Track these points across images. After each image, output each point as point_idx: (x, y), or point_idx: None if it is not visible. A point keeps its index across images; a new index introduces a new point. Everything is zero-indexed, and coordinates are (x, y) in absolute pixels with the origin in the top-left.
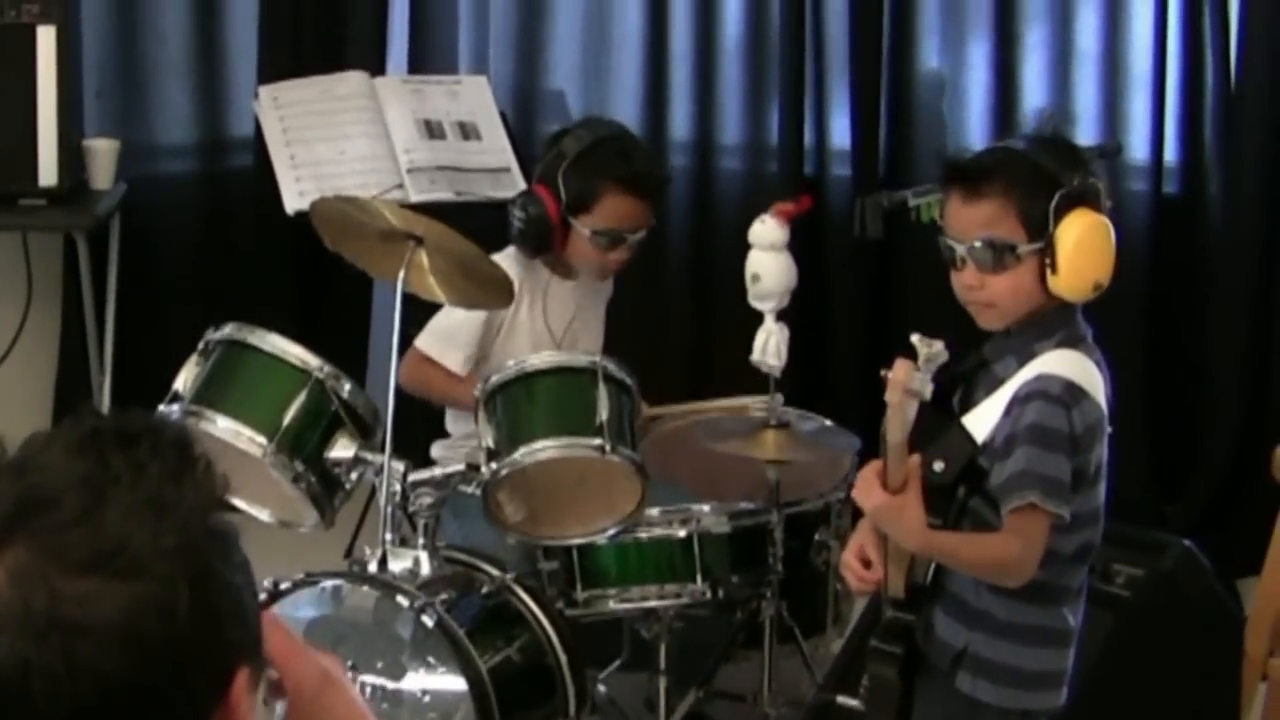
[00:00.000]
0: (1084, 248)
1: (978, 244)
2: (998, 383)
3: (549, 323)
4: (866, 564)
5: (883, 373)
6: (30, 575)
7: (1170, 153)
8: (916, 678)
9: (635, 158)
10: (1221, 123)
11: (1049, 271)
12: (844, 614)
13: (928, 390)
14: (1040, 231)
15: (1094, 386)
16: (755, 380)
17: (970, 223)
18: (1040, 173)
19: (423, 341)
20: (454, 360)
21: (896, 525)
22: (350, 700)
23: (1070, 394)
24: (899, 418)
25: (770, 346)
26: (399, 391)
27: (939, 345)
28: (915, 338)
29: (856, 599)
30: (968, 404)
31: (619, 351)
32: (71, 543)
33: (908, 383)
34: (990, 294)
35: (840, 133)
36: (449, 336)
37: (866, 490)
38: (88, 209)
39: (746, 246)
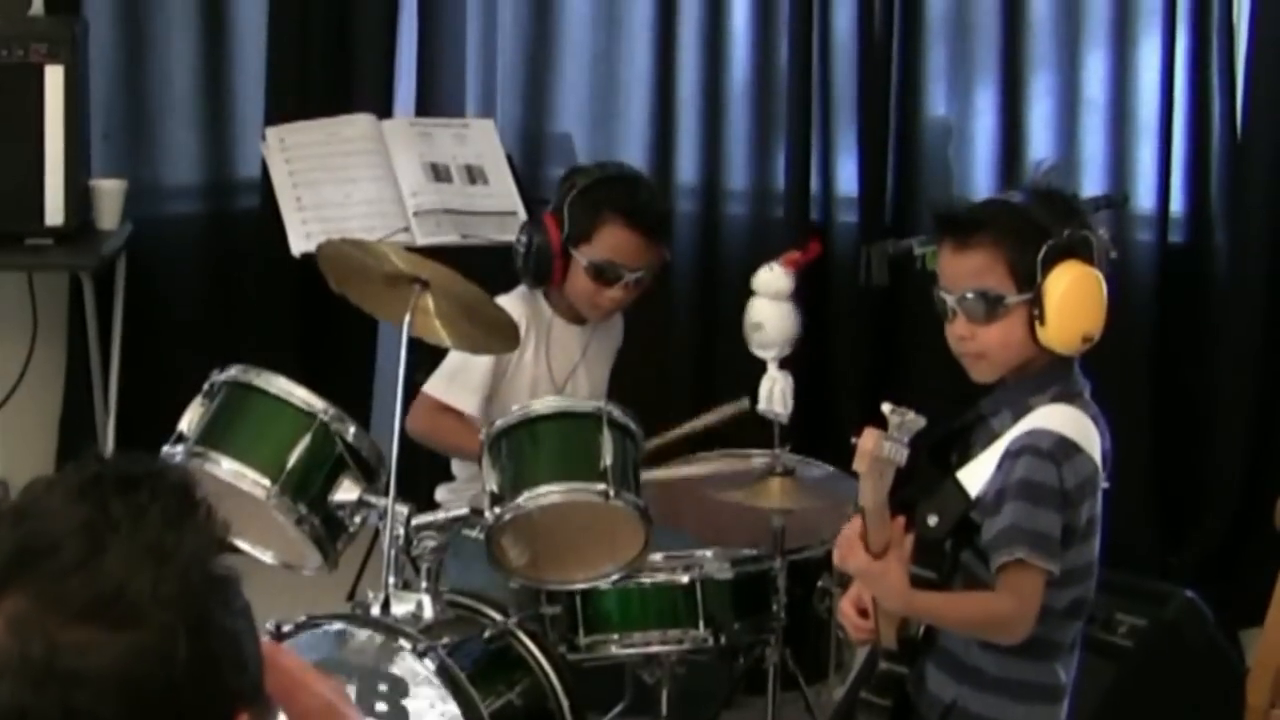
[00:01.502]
0: (1072, 299)
1: (968, 295)
2: (993, 437)
3: (551, 366)
4: (864, 613)
5: (853, 440)
6: (29, 623)
7: (1176, 202)
8: None
9: (640, 193)
10: (1228, 172)
11: (1037, 323)
12: (846, 661)
13: (901, 457)
14: (1029, 283)
15: (1088, 441)
16: (758, 427)
17: (960, 273)
18: (1030, 224)
19: (433, 386)
20: (467, 403)
21: (879, 588)
22: None
23: (1061, 449)
24: (870, 484)
25: (776, 395)
26: (404, 435)
27: (911, 414)
28: (886, 407)
29: (858, 647)
30: (964, 458)
31: (622, 395)
32: (70, 591)
33: (875, 451)
34: (980, 345)
35: (847, 179)
36: (461, 379)
37: (848, 551)
38: (94, 249)
39: (751, 292)
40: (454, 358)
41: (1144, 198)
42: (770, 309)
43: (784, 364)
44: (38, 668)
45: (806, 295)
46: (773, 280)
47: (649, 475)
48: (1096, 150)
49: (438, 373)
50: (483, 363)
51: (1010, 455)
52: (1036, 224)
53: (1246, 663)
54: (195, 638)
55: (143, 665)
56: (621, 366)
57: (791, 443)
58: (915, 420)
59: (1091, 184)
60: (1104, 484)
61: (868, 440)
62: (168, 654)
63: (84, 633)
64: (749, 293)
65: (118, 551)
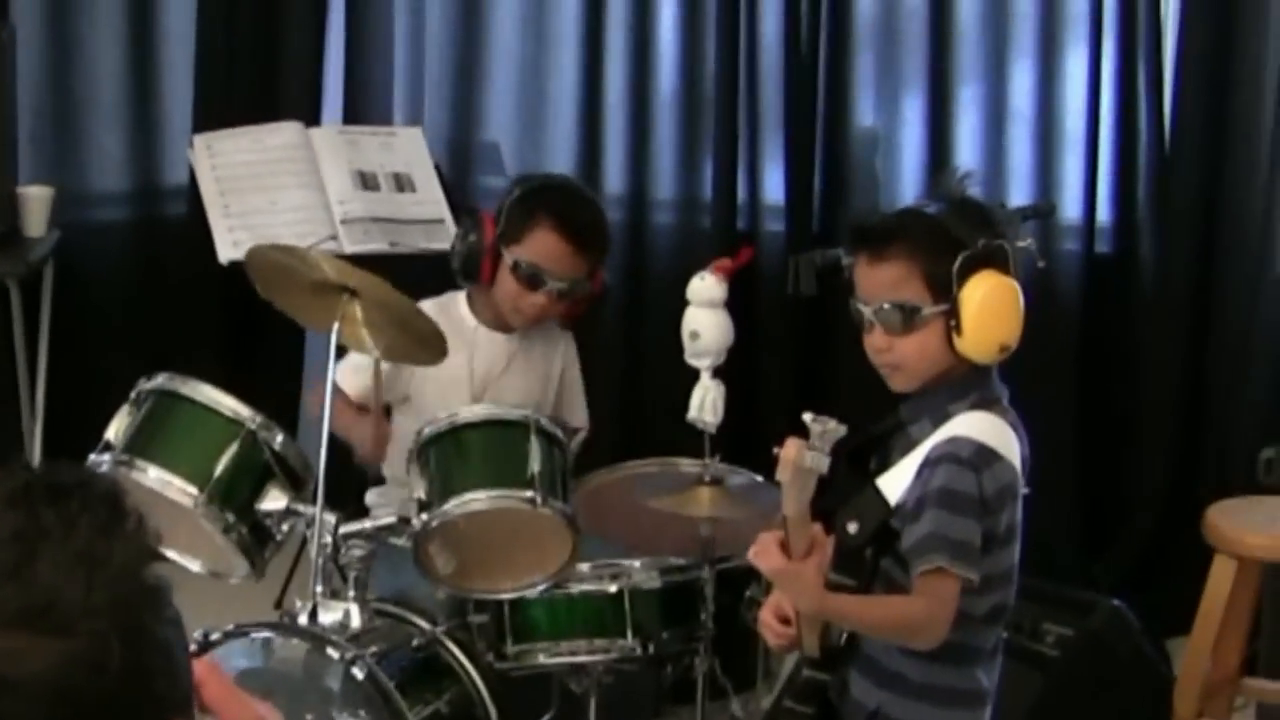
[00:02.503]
0: (988, 310)
1: (884, 306)
2: (912, 444)
3: (473, 370)
4: (785, 621)
5: (775, 450)
6: None
7: (1103, 212)
8: None
9: (575, 203)
10: (1154, 183)
11: (954, 334)
12: (774, 670)
13: (824, 465)
14: (945, 294)
15: (1007, 448)
16: (688, 435)
17: (876, 285)
18: (945, 235)
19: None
20: (349, 383)
21: (792, 589)
22: None
23: (981, 457)
24: (793, 493)
25: (707, 404)
26: (333, 444)
27: (833, 423)
28: (808, 416)
29: (786, 656)
30: (884, 465)
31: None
32: (1, 599)
33: (798, 461)
34: (898, 356)
35: (774, 188)
36: (353, 364)
37: (764, 553)
38: (21, 256)
39: (680, 301)
40: None
41: (1071, 208)
42: (706, 317)
43: (715, 373)
44: None
45: (734, 304)
46: (705, 289)
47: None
48: (1023, 160)
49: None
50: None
51: (930, 463)
52: (951, 235)
53: (1174, 672)
54: (127, 646)
55: (74, 673)
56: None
57: (718, 450)
58: (837, 429)
59: (1018, 194)
60: (1024, 490)
61: (790, 449)
62: (99, 662)
63: (15, 640)
64: (677, 301)
65: (49, 560)
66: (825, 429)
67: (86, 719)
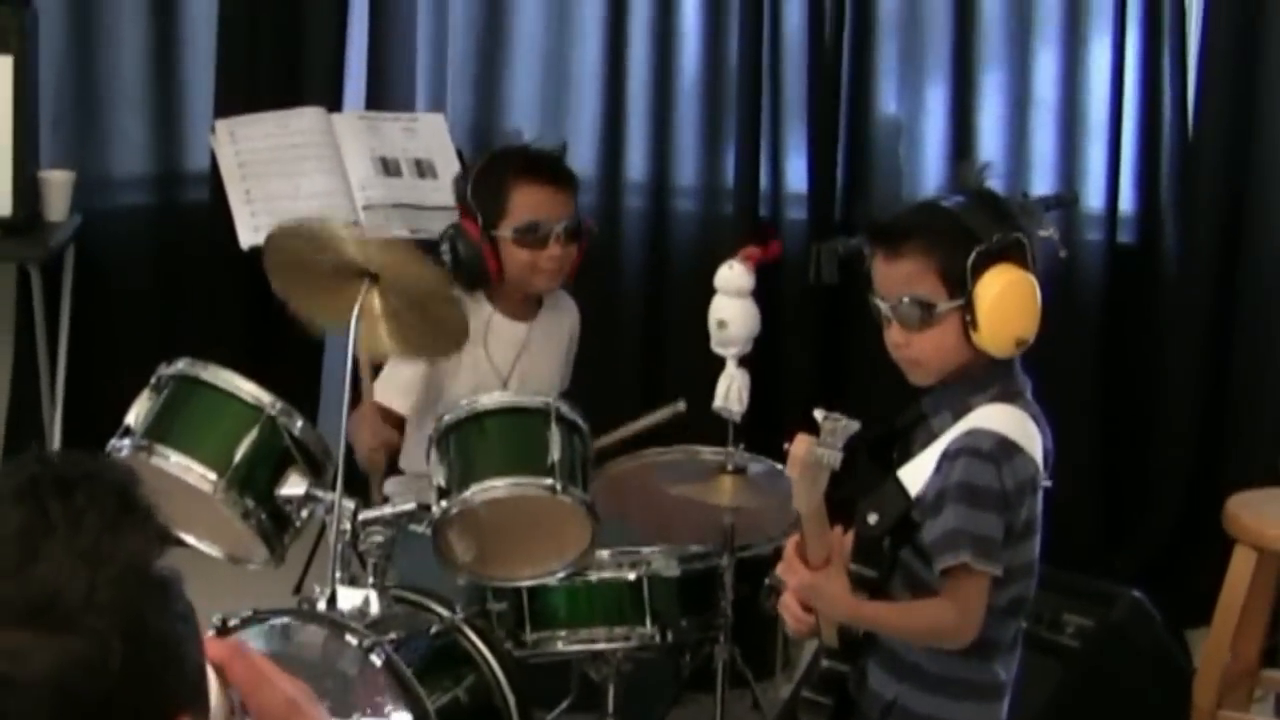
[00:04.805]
0: (1003, 304)
1: (900, 302)
2: (934, 436)
3: (493, 361)
4: (808, 608)
5: (785, 446)
6: None
7: (1126, 202)
8: None
9: (527, 151)
10: (1178, 172)
11: (970, 328)
12: (793, 659)
13: (836, 461)
14: (960, 289)
15: (1028, 441)
16: (708, 423)
17: (893, 281)
18: (960, 229)
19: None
20: (399, 403)
21: (821, 602)
22: None
23: (1001, 450)
24: (804, 490)
25: (733, 393)
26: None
27: (844, 419)
28: (819, 413)
29: (806, 644)
30: (905, 457)
31: (569, 392)
32: (3, 596)
33: (806, 458)
34: (916, 351)
35: (796, 176)
36: (393, 380)
37: (788, 570)
38: (42, 240)
39: (701, 288)
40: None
41: (1093, 197)
42: (734, 306)
43: (740, 362)
44: None
45: (756, 293)
46: (733, 278)
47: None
48: (1046, 149)
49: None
50: (416, 365)
51: (949, 456)
52: (966, 229)
53: (1193, 663)
54: (130, 644)
55: (75, 672)
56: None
57: (740, 439)
58: (849, 425)
59: (1041, 183)
60: (1046, 483)
61: (799, 446)
62: (101, 661)
63: (17, 638)
64: (698, 288)
65: (52, 557)
66: (836, 425)
67: (90, 718)
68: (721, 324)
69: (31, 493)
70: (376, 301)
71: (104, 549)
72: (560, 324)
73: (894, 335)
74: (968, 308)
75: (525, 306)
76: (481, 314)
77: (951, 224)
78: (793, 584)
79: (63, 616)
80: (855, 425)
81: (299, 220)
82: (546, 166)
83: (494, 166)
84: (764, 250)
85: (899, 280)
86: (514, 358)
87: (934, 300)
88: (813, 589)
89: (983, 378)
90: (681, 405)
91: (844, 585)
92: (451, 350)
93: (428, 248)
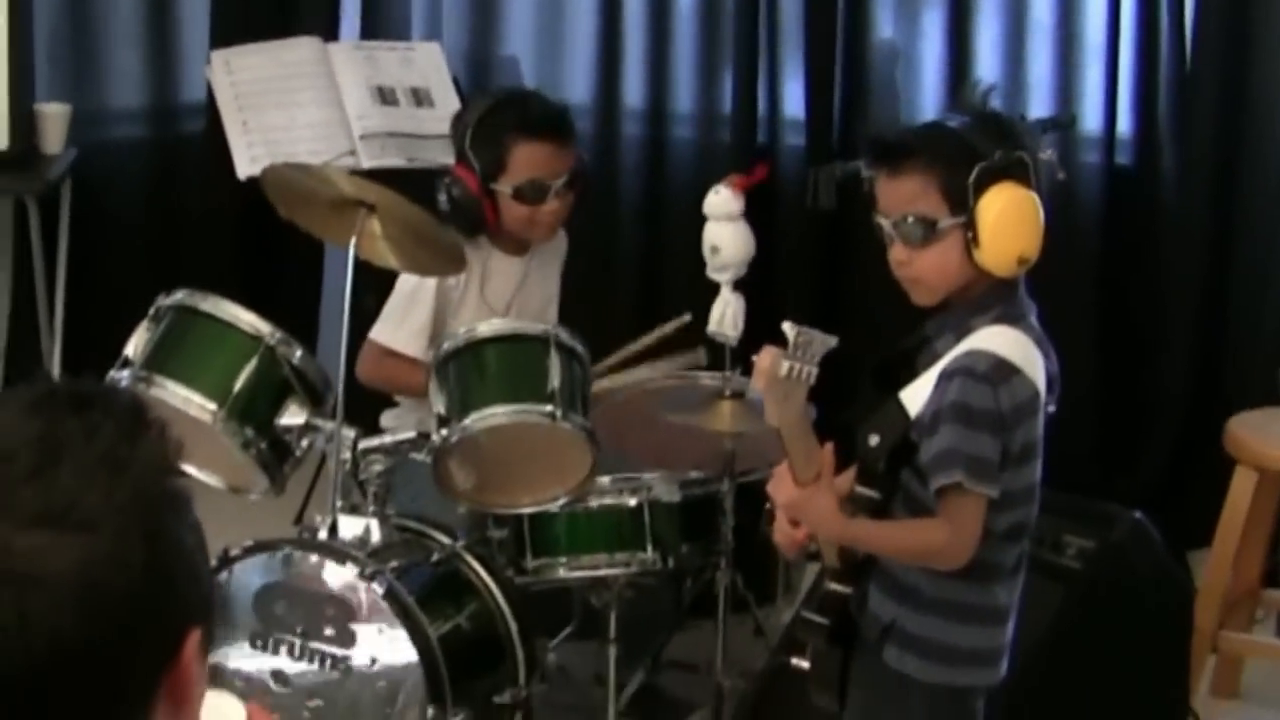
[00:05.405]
0: (1005, 221)
1: (903, 220)
2: (937, 359)
3: (488, 300)
4: (795, 523)
5: (753, 358)
6: None
7: (1124, 124)
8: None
9: (530, 104)
10: (1176, 95)
11: (972, 246)
12: (795, 583)
13: (808, 377)
14: (962, 206)
15: (1028, 363)
16: (707, 349)
17: (895, 199)
18: (962, 147)
19: (378, 332)
20: (412, 346)
21: (809, 519)
22: None
23: (998, 371)
24: (774, 405)
25: (728, 317)
26: (352, 359)
27: (818, 334)
28: (787, 325)
29: (807, 569)
30: (909, 380)
31: (568, 319)
32: (24, 498)
33: (773, 370)
34: (917, 269)
35: (794, 102)
36: (402, 323)
37: (776, 486)
38: (39, 173)
39: (699, 214)
40: (396, 302)
41: (1091, 119)
42: (724, 231)
43: (735, 286)
44: None
45: (753, 218)
46: (721, 203)
47: (601, 384)
48: (1044, 72)
49: (381, 318)
50: (424, 305)
51: (946, 376)
52: (969, 147)
53: (1195, 584)
54: (151, 545)
55: (99, 569)
56: (568, 290)
57: (737, 364)
58: (824, 340)
59: (1039, 106)
60: (1051, 408)
61: (764, 359)
62: (124, 558)
63: (38, 538)
64: (696, 214)
65: (72, 462)
66: (808, 339)
67: (111, 618)
68: (714, 249)
69: (48, 406)
70: (376, 226)
71: (122, 456)
72: (555, 254)
73: (897, 253)
74: (970, 225)
75: (521, 241)
76: (480, 254)
77: (954, 142)
78: (780, 500)
79: (83, 518)
80: (832, 340)
81: (289, 163)
82: (547, 126)
83: (493, 121)
84: (750, 176)
85: (901, 198)
86: (513, 290)
87: (936, 217)
88: (799, 505)
89: (985, 299)
90: (688, 317)
91: (831, 502)
92: (454, 270)
93: (426, 178)
